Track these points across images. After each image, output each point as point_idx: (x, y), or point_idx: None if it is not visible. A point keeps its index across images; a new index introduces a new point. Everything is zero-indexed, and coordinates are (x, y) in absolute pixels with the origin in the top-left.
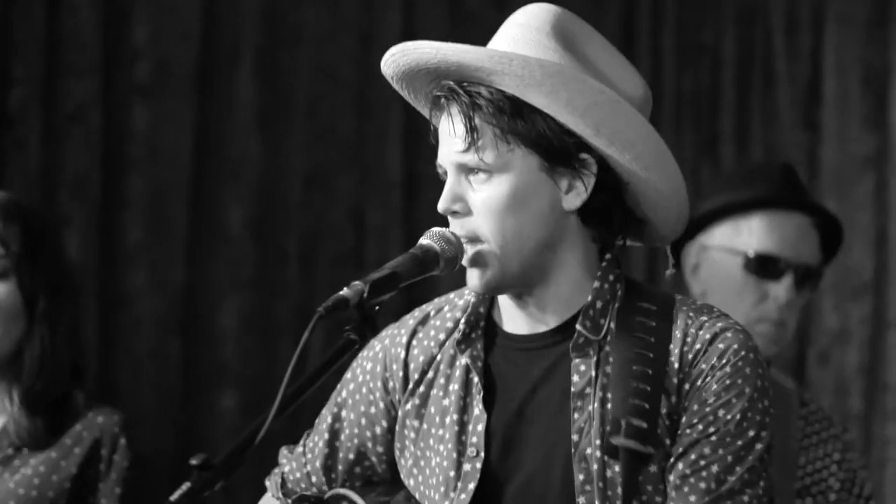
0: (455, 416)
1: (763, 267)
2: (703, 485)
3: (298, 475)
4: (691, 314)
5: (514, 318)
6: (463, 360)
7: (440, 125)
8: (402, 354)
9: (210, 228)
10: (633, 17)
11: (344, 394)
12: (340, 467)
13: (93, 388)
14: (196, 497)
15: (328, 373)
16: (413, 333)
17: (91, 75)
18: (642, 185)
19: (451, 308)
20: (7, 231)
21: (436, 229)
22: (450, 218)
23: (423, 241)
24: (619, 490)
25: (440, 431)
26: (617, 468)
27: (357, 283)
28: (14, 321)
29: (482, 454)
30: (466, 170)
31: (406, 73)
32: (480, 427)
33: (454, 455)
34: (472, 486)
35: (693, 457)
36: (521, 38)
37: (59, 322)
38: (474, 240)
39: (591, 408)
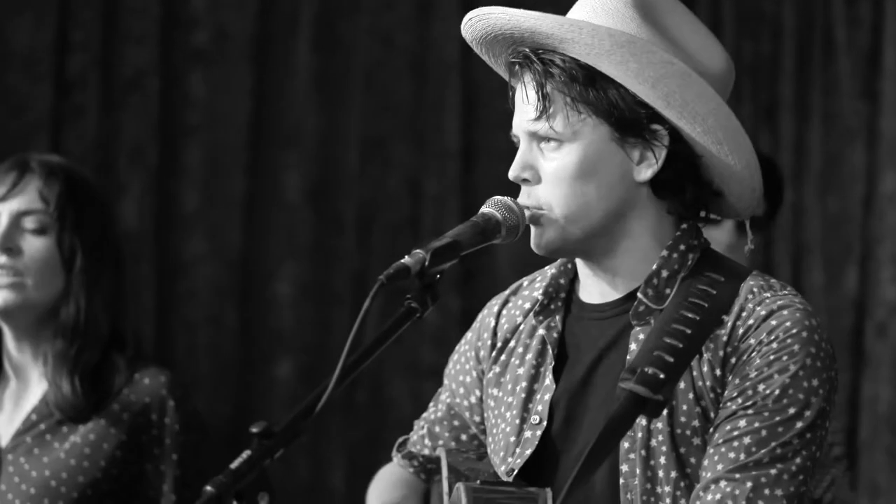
0: (525, 384)
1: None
2: (732, 454)
3: (415, 437)
4: (756, 289)
5: (587, 287)
6: (540, 330)
7: (515, 92)
8: (493, 323)
9: (267, 196)
10: None
11: (450, 363)
12: (447, 434)
13: (150, 354)
14: (256, 465)
15: (388, 342)
16: (504, 303)
17: (149, 42)
18: (714, 158)
19: (543, 279)
20: (49, 189)
21: (497, 198)
22: (522, 186)
23: (485, 209)
24: (662, 459)
25: (510, 398)
26: (661, 437)
27: (418, 251)
28: (50, 277)
29: (544, 422)
30: (538, 138)
31: (483, 39)
32: (547, 396)
33: (517, 422)
34: (528, 451)
35: (728, 427)
36: (600, 5)
37: (98, 285)
38: (538, 207)
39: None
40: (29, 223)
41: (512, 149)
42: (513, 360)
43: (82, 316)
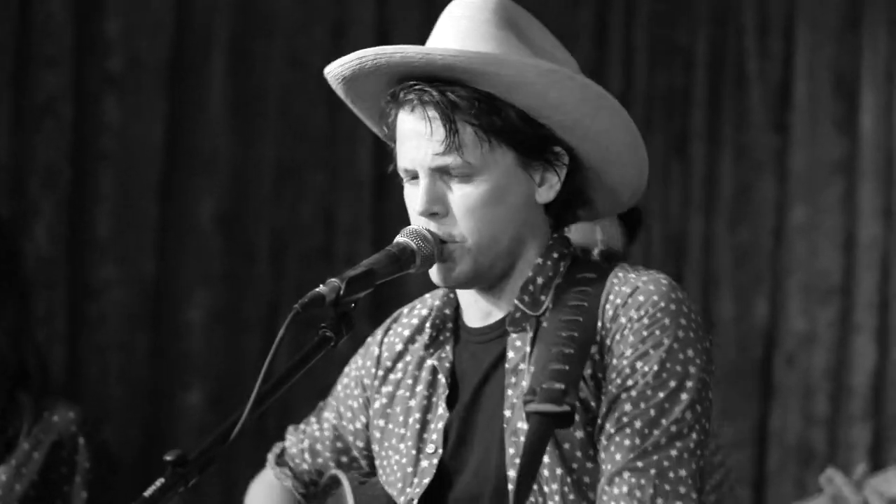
0: (418, 416)
1: None
2: (627, 441)
3: (295, 451)
4: (620, 274)
5: (471, 313)
6: (430, 361)
7: (405, 125)
8: (376, 352)
9: (180, 222)
10: (606, 15)
11: (339, 386)
12: (328, 454)
13: (61, 380)
14: (170, 493)
15: (302, 370)
16: (386, 331)
17: (63, 66)
18: (610, 170)
19: (422, 306)
20: None
21: (412, 227)
22: (427, 219)
23: (400, 238)
24: (546, 458)
25: (402, 430)
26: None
27: (333, 280)
28: None
29: (440, 451)
30: (444, 171)
31: (370, 75)
32: (441, 424)
33: (413, 452)
34: (426, 481)
35: (616, 414)
36: (473, 31)
37: (2, 320)
38: (450, 239)
39: (524, 383)
40: None
41: None
42: (400, 391)
43: None
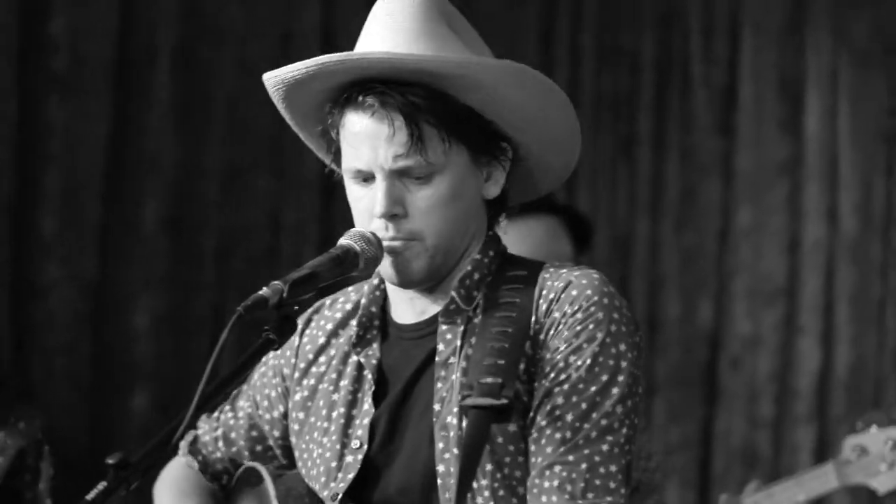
0: (343, 410)
1: None
2: (558, 435)
3: (208, 438)
4: (552, 269)
5: (403, 309)
6: (356, 357)
7: (359, 127)
8: (296, 342)
9: (124, 224)
10: (552, 18)
11: (256, 375)
12: (242, 443)
13: (13, 390)
14: (112, 496)
15: (246, 373)
16: (307, 323)
17: (6, 66)
18: (545, 161)
19: (345, 300)
20: None
21: (355, 229)
22: (386, 220)
23: (343, 241)
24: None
25: (325, 424)
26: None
27: (276, 282)
28: None
29: (364, 446)
30: (402, 172)
31: (319, 78)
32: (367, 420)
33: (338, 447)
34: (350, 475)
35: (548, 408)
36: (420, 31)
37: None
38: (410, 239)
39: (453, 377)
40: None
41: None
42: (323, 384)
43: None
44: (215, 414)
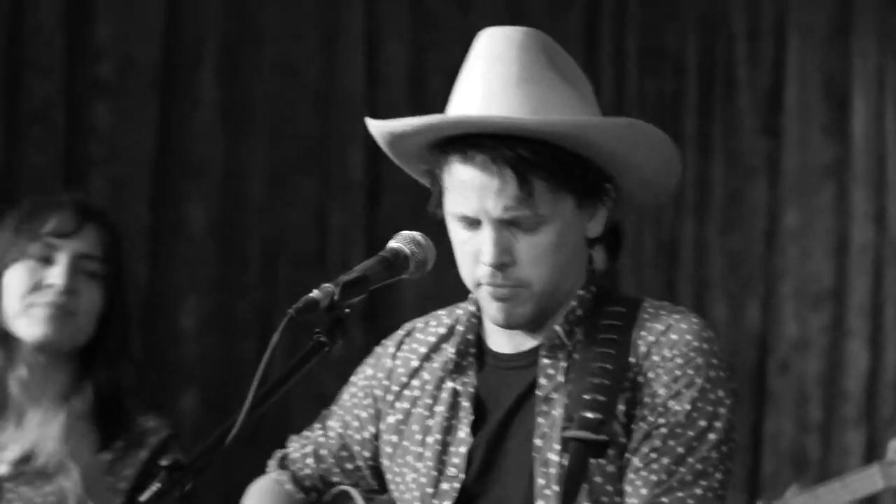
0: (438, 437)
1: None
2: (654, 477)
3: (297, 455)
4: (651, 310)
5: (501, 337)
6: (451, 383)
7: (468, 176)
8: (388, 364)
9: (171, 227)
10: (596, 21)
11: (346, 395)
12: (331, 460)
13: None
14: (166, 498)
15: (298, 375)
16: (399, 345)
17: (53, 72)
18: (647, 194)
19: (437, 324)
20: (103, 237)
21: (405, 232)
22: (494, 269)
23: (393, 244)
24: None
25: (419, 449)
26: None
27: (327, 285)
28: (92, 322)
29: (462, 475)
30: (512, 222)
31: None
32: (464, 449)
33: (434, 473)
34: (446, 503)
35: (645, 450)
36: (530, 79)
37: (127, 325)
38: (518, 286)
39: (555, 412)
40: (88, 266)
41: (417, 183)
42: (418, 409)
43: (114, 362)
44: (305, 433)
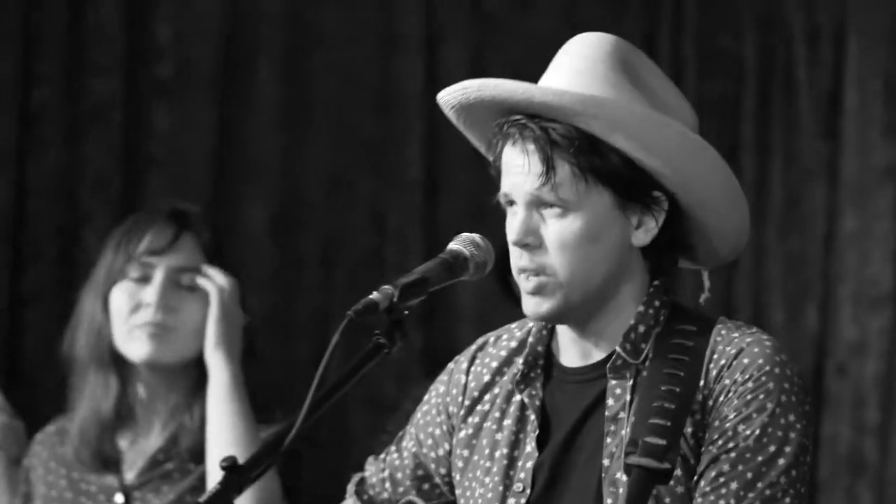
0: (505, 451)
1: None
2: (722, 501)
3: (375, 480)
4: (724, 332)
5: (568, 351)
6: (519, 396)
7: (508, 156)
8: (462, 380)
9: (230, 229)
10: (654, 24)
11: (419, 413)
12: (408, 483)
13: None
14: (224, 499)
15: (356, 378)
16: (472, 360)
17: (113, 73)
18: (709, 220)
19: (509, 337)
20: (204, 243)
21: (465, 235)
22: (520, 250)
23: (453, 245)
24: None
25: (487, 463)
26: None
27: (387, 287)
28: (198, 334)
29: (528, 490)
30: (540, 203)
31: (474, 106)
32: (530, 464)
33: (500, 488)
34: None
35: (713, 474)
36: (587, 71)
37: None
38: (541, 272)
39: (623, 432)
40: (186, 280)
41: (475, 184)
42: (487, 423)
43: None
44: (382, 455)
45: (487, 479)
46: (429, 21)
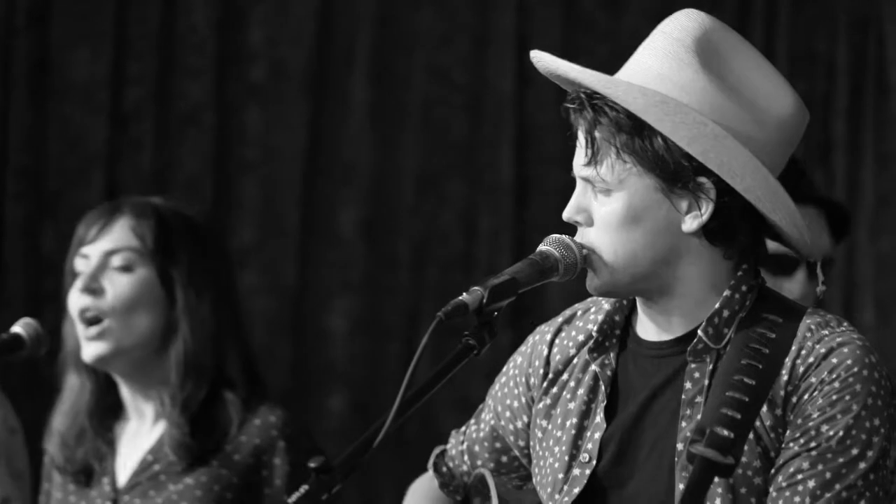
0: (575, 421)
1: (777, 265)
2: (797, 498)
3: (454, 452)
4: (813, 327)
5: (644, 324)
6: (593, 366)
7: (576, 134)
8: (545, 352)
9: (322, 230)
10: (746, 24)
11: (497, 385)
12: (486, 455)
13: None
14: (314, 500)
15: (445, 379)
16: (557, 332)
17: (206, 76)
18: (764, 212)
19: (597, 310)
20: (140, 225)
21: (555, 236)
22: (574, 227)
23: (543, 247)
24: (718, 501)
25: (559, 433)
26: (717, 479)
27: (476, 288)
28: (140, 315)
29: (594, 461)
30: (590, 182)
31: (552, 74)
32: (598, 434)
33: (566, 458)
34: (576, 490)
35: (791, 470)
36: (662, 49)
37: (199, 320)
38: (590, 249)
39: (699, 417)
40: (116, 261)
41: (566, 185)
42: (564, 393)
43: (189, 351)
44: (463, 428)
45: (557, 448)
46: (520, 21)
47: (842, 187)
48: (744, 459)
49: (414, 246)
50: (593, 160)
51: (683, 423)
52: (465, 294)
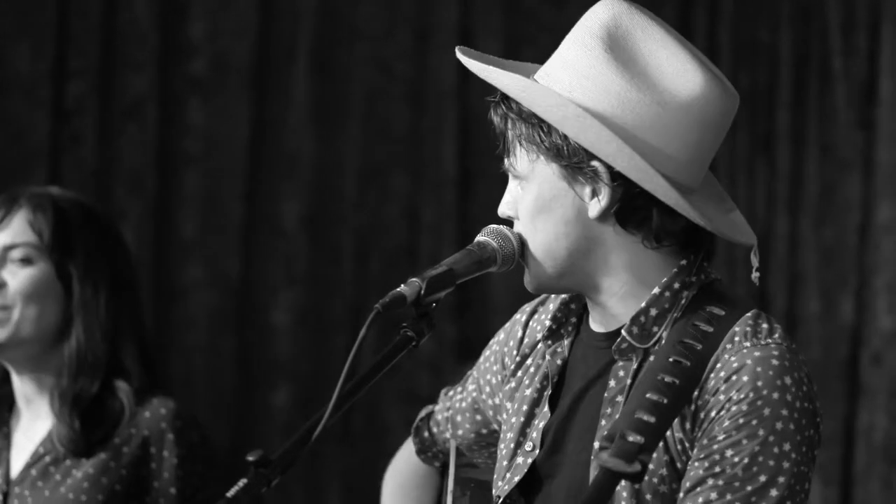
0: (526, 408)
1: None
2: None
3: (440, 417)
4: (738, 335)
5: (592, 314)
6: (546, 354)
7: None
8: (519, 333)
9: (265, 224)
10: (690, 14)
11: (482, 357)
12: (467, 426)
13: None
14: (253, 493)
15: (384, 370)
16: (532, 314)
17: (147, 70)
18: (651, 192)
19: (569, 296)
20: (37, 219)
21: (493, 226)
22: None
23: (481, 237)
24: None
25: (513, 419)
26: (623, 483)
27: (414, 279)
28: (40, 308)
29: (537, 450)
30: (513, 174)
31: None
32: (542, 424)
33: (512, 445)
34: (517, 478)
35: (700, 499)
36: (574, 38)
37: (95, 313)
38: (522, 243)
39: (616, 417)
40: (15, 254)
41: (508, 178)
42: (525, 378)
43: (83, 346)
44: (450, 392)
45: (509, 435)
46: (463, 14)
47: (785, 177)
48: (651, 466)
49: (357, 238)
50: (509, 154)
51: (603, 422)
52: (403, 286)
